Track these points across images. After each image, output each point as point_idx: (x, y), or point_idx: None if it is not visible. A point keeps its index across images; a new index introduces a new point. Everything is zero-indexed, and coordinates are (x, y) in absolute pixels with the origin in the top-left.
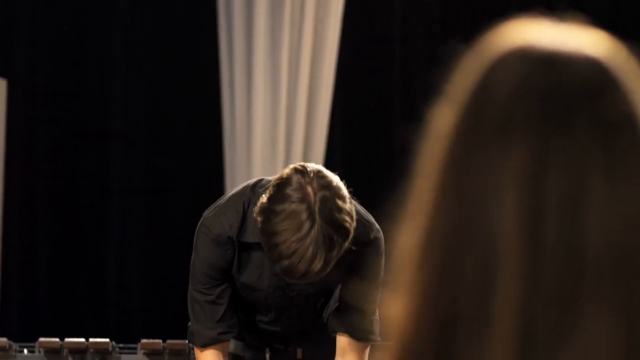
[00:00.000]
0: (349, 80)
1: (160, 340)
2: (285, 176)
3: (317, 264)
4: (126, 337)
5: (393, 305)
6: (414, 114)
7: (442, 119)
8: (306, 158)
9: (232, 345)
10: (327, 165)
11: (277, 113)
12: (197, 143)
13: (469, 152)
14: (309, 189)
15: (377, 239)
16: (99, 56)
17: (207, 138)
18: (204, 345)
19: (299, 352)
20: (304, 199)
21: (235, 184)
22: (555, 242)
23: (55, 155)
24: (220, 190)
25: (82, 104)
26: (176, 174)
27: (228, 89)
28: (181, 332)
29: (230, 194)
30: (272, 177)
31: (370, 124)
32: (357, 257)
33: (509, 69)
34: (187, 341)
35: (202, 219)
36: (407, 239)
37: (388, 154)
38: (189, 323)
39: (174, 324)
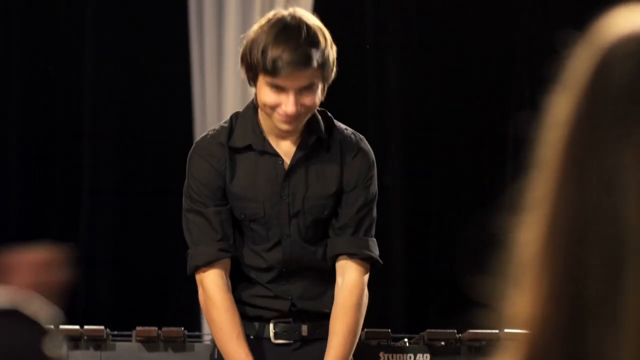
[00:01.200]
0: None
1: (156, 328)
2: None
3: (307, 49)
4: (121, 324)
5: (519, 301)
6: (389, 77)
7: (560, 107)
8: None
9: None
10: None
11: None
12: (168, 110)
13: (589, 138)
14: (291, 9)
15: (368, 150)
16: (72, 16)
17: (178, 109)
18: (206, 264)
19: (304, 329)
20: (286, 12)
21: None
22: None
23: (26, 119)
24: None
25: (54, 61)
26: (147, 138)
27: (198, 63)
28: (176, 320)
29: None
30: None
31: (344, 93)
32: (349, 168)
33: (624, 53)
34: (182, 328)
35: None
36: (529, 232)
37: (362, 122)
38: (188, 250)
39: (169, 311)
